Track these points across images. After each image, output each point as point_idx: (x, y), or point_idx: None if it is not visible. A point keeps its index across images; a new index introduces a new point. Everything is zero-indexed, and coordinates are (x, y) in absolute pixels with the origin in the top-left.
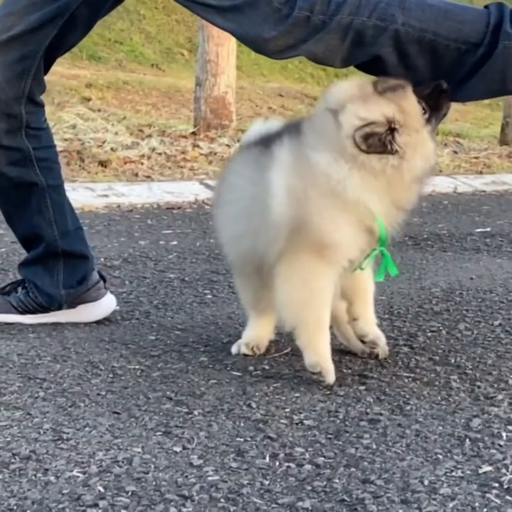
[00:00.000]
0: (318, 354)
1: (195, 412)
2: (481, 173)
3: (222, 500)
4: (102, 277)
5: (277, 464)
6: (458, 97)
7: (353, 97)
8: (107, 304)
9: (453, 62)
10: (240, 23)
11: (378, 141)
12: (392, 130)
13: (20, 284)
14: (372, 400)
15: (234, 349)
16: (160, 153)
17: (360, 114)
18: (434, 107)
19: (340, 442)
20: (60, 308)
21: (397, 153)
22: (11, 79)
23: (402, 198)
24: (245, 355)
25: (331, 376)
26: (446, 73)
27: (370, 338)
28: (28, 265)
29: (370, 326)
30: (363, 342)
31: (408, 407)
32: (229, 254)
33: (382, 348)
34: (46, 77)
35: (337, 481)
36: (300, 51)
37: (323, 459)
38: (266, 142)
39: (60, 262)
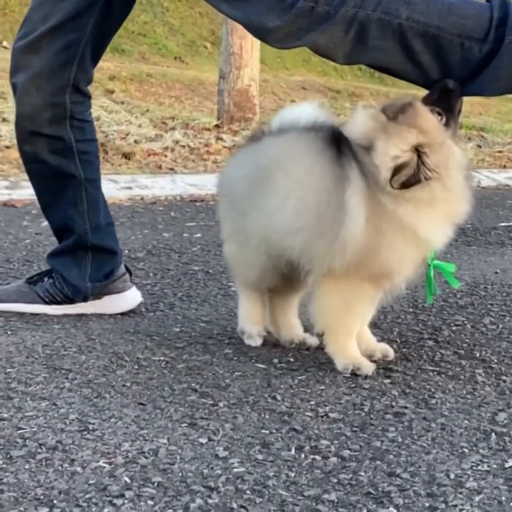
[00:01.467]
0: (348, 357)
1: (221, 404)
2: (504, 167)
3: (248, 491)
4: (128, 270)
5: (303, 456)
6: (467, 93)
7: (375, 131)
8: (132, 297)
9: (457, 58)
10: (244, 11)
11: (413, 177)
12: (419, 156)
13: (48, 274)
14: (397, 394)
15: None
16: (183, 146)
17: (390, 152)
18: (447, 109)
19: (366, 435)
20: (85, 300)
21: (433, 177)
22: (55, 68)
23: (459, 210)
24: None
25: (366, 367)
26: (451, 69)
27: (379, 356)
28: (57, 256)
29: (374, 343)
30: (374, 361)
31: (433, 401)
32: (259, 236)
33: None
34: None
35: (363, 473)
36: (303, 41)
37: (348, 451)
38: (329, 145)
39: (88, 255)
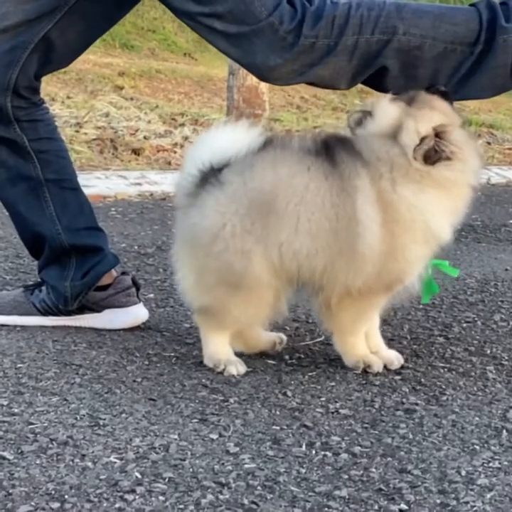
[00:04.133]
0: (359, 355)
1: (231, 400)
2: None
3: (259, 487)
4: (136, 284)
5: (314, 452)
6: (462, 96)
7: (402, 116)
8: (135, 313)
9: (452, 65)
10: (245, 50)
11: (435, 152)
12: (444, 133)
13: (43, 285)
14: (407, 390)
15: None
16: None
17: (420, 130)
18: None
19: (377, 432)
20: (66, 304)
21: (455, 153)
22: None
23: (462, 204)
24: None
25: (377, 364)
26: (445, 76)
27: (397, 365)
28: (43, 268)
29: (388, 353)
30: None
31: (444, 398)
32: (270, 270)
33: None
34: (79, 66)
35: (374, 470)
36: (306, 76)
37: (359, 448)
38: (326, 159)
39: (72, 258)
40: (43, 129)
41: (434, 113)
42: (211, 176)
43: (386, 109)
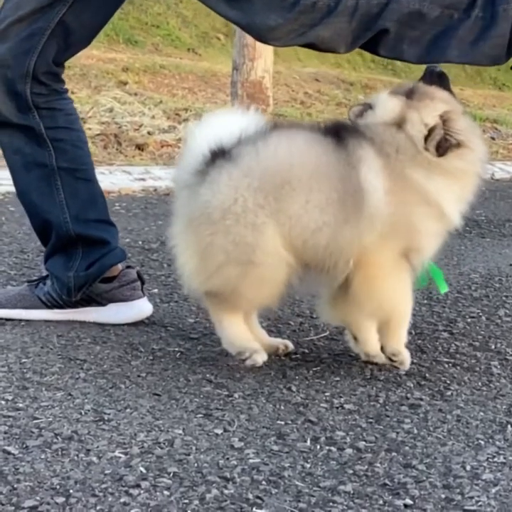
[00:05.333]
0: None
1: (236, 395)
2: None
3: (263, 482)
4: (141, 278)
5: (318, 447)
6: (464, 60)
7: (405, 108)
8: (139, 307)
9: (447, 29)
10: (244, 11)
11: (446, 141)
12: (446, 123)
13: (47, 278)
14: (412, 385)
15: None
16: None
17: (425, 120)
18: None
19: (381, 426)
20: (69, 294)
21: (462, 141)
22: (18, 56)
23: (470, 193)
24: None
25: (408, 361)
26: (442, 40)
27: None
28: (49, 258)
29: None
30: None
31: (449, 393)
32: (283, 246)
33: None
34: (83, 61)
35: (378, 465)
36: (306, 37)
37: (364, 443)
38: (333, 136)
39: (78, 249)
40: (62, 118)
41: (435, 102)
42: (221, 154)
43: (386, 102)
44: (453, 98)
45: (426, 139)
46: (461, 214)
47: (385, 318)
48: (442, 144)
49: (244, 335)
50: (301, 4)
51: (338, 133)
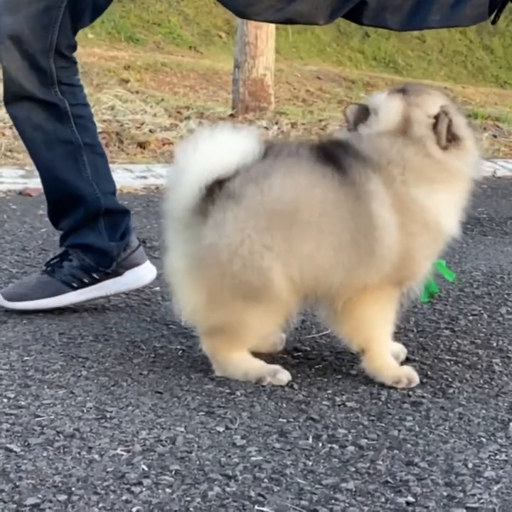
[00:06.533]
0: (396, 368)
1: (238, 393)
2: None
3: (265, 480)
4: (141, 241)
5: (320, 445)
6: (445, 24)
7: (406, 107)
8: (150, 268)
9: None
10: None
11: (448, 131)
12: (447, 115)
13: (63, 258)
14: None
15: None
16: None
17: (430, 112)
18: None
19: (383, 424)
20: (110, 264)
21: (462, 137)
22: (36, 31)
23: (466, 198)
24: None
25: (415, 375)
26: (423, 6)
27: (402, 357)
28: (71, 233)
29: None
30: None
31: (450, 390)
32: (292, 282)
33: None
34: (84, 59)
35: (380, 462)
36: (286, 12)
37: (366, 440)
38: (335, 166)
39: (100, 222)
40: (80, 95)
41: (433, 96)
42: (218, 188)
43: (389, 103)
44: (447, 97)
45: (434, 128)
46: (459, 223)
47: (362, 342)
48: (450, 130)
49: (256, 362)
50: None
51: (338, 158)
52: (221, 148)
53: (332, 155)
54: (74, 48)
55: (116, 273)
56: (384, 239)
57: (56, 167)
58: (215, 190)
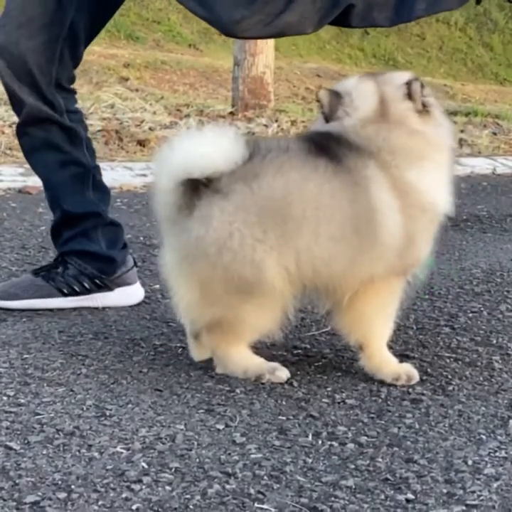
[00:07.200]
0: (396, 365)
1: (237, 390)
2: None
3: (265, 477)
4: (135, 263)
5: (320, 442)
6: (434, 10)
7: (379, 89)
8: (140, 290)
9: None
10: (212, 7)
11: (420, 93)
12: (417, 79)
13: (59, 264)
14: None
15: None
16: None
17: (398, 83)
18: None
19: (383, 422)
20: (113, 271)
21: (433, 105)
22: (42, 65)
23: (452, 169)
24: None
25: (415, 372)
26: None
27: None
28: (71, 240)
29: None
30: None
31: (450, 388)
32: (290, 275)
33: None
34: (84, 57)
35: (380, 460)
36: (275, 27)
37: (365, 438)
38: (328, 157)
39: (98, 232)
40: (83, 121)
41: (399, 73)
42: (204, 184)
43: (362, 87)
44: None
45: (408, 94)
46: (451, 199)
47: (361, 337)
48: (423, 94)
49: (256, 359)
50: None
51: (333, 149)
52: (201, 145)
53: (323, 147)
54: (73, 79)
55: (108, 288)
56: (386, 223)
57: (63, 186)
58: (201, 187)
